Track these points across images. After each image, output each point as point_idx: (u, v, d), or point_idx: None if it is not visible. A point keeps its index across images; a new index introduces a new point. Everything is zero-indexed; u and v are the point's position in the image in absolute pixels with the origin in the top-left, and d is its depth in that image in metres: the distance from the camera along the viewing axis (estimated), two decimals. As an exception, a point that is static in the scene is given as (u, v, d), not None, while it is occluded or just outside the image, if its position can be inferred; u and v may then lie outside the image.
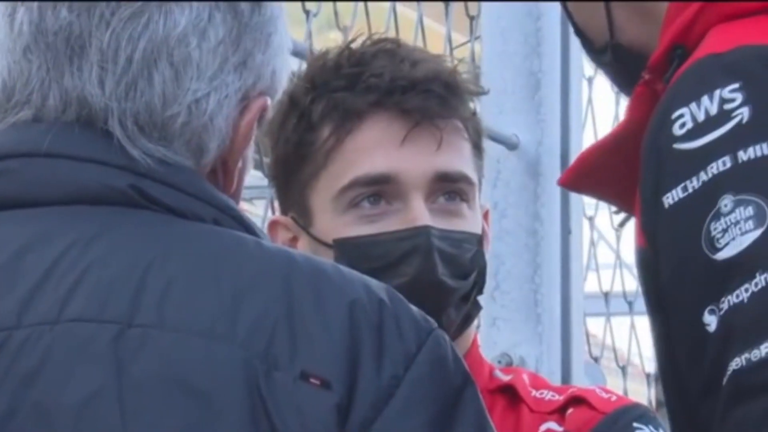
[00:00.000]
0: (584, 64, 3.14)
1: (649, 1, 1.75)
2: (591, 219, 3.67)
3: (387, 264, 2.02)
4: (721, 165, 1.58)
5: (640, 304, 4.69)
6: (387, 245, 2.02)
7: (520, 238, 2.97)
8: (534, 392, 2.16)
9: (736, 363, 1.55)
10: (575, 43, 3.02)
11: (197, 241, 1.43)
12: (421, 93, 2.03)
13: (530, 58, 3.01)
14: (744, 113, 1.59)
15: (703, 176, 1.59)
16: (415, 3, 3.28)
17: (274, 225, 2.14)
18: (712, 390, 1.58)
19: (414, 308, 1.44)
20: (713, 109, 1.60)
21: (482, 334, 2.85)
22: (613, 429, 2.10)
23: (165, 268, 1.40)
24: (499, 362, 2.86)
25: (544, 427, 2.13)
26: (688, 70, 1.64)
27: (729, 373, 1.55)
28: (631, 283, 4.25)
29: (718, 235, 1.57)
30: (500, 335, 2.96)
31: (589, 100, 3.38)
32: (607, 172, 1.77)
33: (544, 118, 3.02)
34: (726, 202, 1.57)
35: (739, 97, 1.60)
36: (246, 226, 1.48)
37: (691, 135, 1.60)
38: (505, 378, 2.18)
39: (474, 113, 2.10)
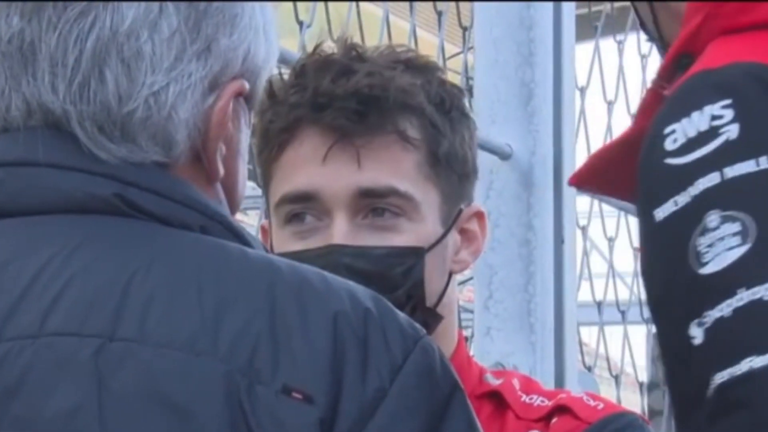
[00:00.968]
0: (576, 75, 3.15)
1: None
2: (584, 229, 3.67)
3: None
4: (708, 181, 1.59)
5: (633, 313, 4.71)
6: (307, 263, 2.03)
7: (513, 248, 2.97)
8: (524, 397, 2.14)
9: (720, 377, 1.56)
10: (568, 53, 3.05)
11: (180, 251, 1.42)
12: (337, 110, 2.01)
13: (522, 68, 3.01)
14: (732, 130, 1.60)
15: (692, 191, 1.60)
16: (408, 13, 3.28)
17: (263, 231, 2.15)
18: (698, 403, 1.58)
19: (401, 316, 1.43)
20: (703, 126, 1.61)
21: (476, 344, 2.85)
22: None
23: (147, 280, 1.39)
24: (493, 369, 2.84)
25: None
26: (681, 86, 1.65)
27: (713, 386, 1.56)
28: (624, 292, 4.25)
29: (704, 251, 1.58)
30: (494, 345, 2.96)
31: (582, 111, 3.40)
32: (615, 173, 1.76)
33: (537, 128, 3.01)
34: (712, 218, 1.59)
35: (728, 114, 1.61)
36: (235, 232, 1.46)
37: (681, 151, 1.61)
38: (495, 383, 2.16)
39: (429, 123, 2.04)
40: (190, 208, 1.44)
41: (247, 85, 1.49)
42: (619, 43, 3.92)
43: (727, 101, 1.61)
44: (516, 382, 2.17)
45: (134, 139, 1.44)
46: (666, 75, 1.71)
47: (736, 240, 1.57)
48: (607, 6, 4.01)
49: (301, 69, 2.05)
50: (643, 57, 3.94)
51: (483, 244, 2.14)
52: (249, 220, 3.51)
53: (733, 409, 1.55)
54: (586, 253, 3.77)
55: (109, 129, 1.43)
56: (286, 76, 2.11)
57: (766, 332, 1.56)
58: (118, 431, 1.34)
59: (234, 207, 1.53)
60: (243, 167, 1.53)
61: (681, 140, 1.61)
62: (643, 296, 4.49)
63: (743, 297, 1.56)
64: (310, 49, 2.78)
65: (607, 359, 4.51)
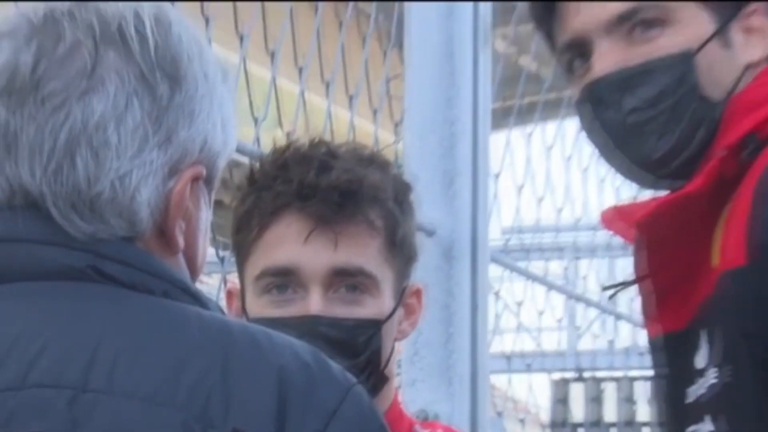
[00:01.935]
0: (490, 164, 3.17)
1: None
2: (497, 293, 3.68)
3: None
4: None
5: (537, 363, 4.66)
6: (284, 329, 2.04)
7: (436, 312, 2.96)
8: None
9: None
10: (483, 146, 3.06)
11: (144, 314, 1.40)
12: (320, 201, 2.02)
13: (445, 159, 3.02)
14: None
15: None
16: (347, 106, 3.28)
17: (229, 293, 2.15)
18: None
19: (336, 366, 1.42)
20: None
21: (403, 393, 2.86)
22: None
23: (115, 339, 1.38)
24: (418, 417, 2.85)
25: None
26: None
27: None
28: (530, 345, 4.24)
29: None
30: (418, 394, 2.95)
31: (495, 195, 3.39)
32: (670, 219, 1.78)
33: (457, 210, 3.02)
34: None
35: None
36: (193, 295, 1.45)
37: None
38: None
39: (389, 214, 2.07)
40: (153, 275, 1.43)
41: (204, 171, 1.47)
42: (528, 137, 3.91)
43: None
44: None
45: (102, 216, 1.42)
46: (735, 150, 1.74)
47: None
48: (518, 102, 4.02)
49: (284, 162, 2.06)
50: (548, 149, 3.94)
51: (420, 317, 2.16)
52: (212, 281, 3.49)
53: None
54: (497, 316, 3.77)
55: (80, 208, 1.42)
56: (242, 165, 2.16)
57: None
58: None
59: (195, 273, 1.51)
60: (203, 240, 1.51)
61: None
62: (546, 348, 4.39)
63: None
64: (264, 139, 2.79)
65: (514, 401, 4.50)
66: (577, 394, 7.00)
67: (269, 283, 2.04)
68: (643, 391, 6.20)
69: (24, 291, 1.41)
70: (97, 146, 1.42)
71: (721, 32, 1.82)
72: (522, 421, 4.40)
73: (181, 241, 1.46)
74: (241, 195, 2.09)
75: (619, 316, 4.79)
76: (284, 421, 1.35)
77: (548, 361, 4.67)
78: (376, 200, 2.05)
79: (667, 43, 1.82)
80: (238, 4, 3.04)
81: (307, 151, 2.07)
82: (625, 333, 4.87)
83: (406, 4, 3.07)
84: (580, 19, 1.84)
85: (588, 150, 3.96)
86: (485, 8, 3.09)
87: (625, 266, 4.99)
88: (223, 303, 2.15)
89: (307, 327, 1.99)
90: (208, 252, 1.56)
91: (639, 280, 1.84)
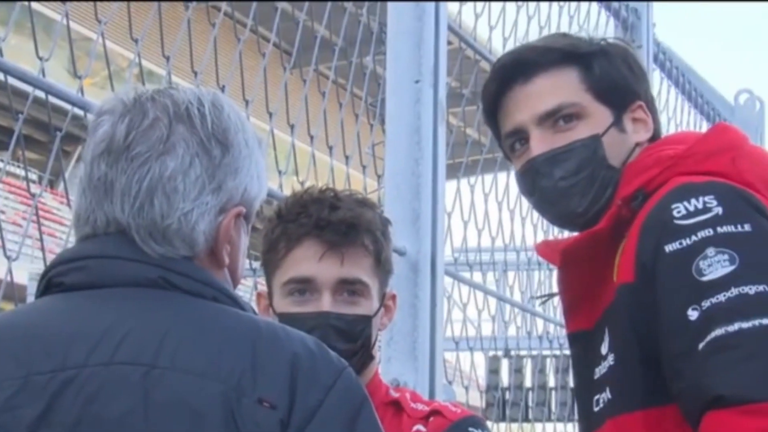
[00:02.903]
0: (445, 205, 3.16)
1: None
2: (449, 297, 3.66)
3: (303, 332, 2.03)
4: (706, 233, 1.61)
5: (477, 345, 4.61)
6: (303, 320, 2.01)
7: (405, 309, 2.94)
8: (412, 404, 2.13)
9: (717, 332, 1.54)
10: (440, 191, 3.05)
11: (198, 313, 1.40)
12: (332, 231, 2.03)
13: (413, 201, 3.00)
14: (718, 209, 1.63)
15: (694, 237, 1.61)
16: (343, 158, 3.27)
17: (258, 295, 2.13)
18: (687, 352, 1.56)
19: (333, 354, 1.41)
20: (699, 205, 1.64)
21: (381, 368, 2.83)
22: (456, 431, 2.06)
23: (177, 331, 1.38)
24: (391, 384, 2.82)
25: (414, 428, 2.09)
26: (678, 188, 1.69)
27: (708, 339, 1.54)
28: (472, 332, 4.22)
29: (705, 267, 1.59)
30: (392, 368, 2.91)
31: (448, 227, 3.38)
32: (582, 249, 1.78)
33: (421, 238, 3.00)
34: (711, 251, 1.60)
35: (714, 202, 1.64)
36: (234, 300, 1.44)
37: (685, 217, 1.64)
38: (395, 395, 2.14)
39: (377, 241, 2.07)
40: (206, 285, 1.43)
41: (244, 210, 1.48)
42: (472, 186, 3.90)
43: (712, 196, 1.65)
44: (408, 395, 2.16)
45: (171, 241, 1.43)
46: (627, 200, 1.75)
47: (727, 263, 1.58)
48: (464, 161, 4.01)
49: (304, 203, 2.07)
50: (486, 194, 3.93)
51: (394, 314, 2.16)
52: (247, 283, 3.50)
53: (728, 349, 1.52)
54: (449, 311, 3.74)
55: (155, 235, 1.42)
56: (273, 205, 2.14)
57: (750, 309, 1.54)
58: (157, 425, 1.32)
59: (236, 282, 1.51)
60: (242, 258, 1.51)
61: (684, 212, 1.64)
62: (484, 334, 4.35)
63: (733, 291, 1.56)
64: (285, 186, 2.77)
65: (461, 372, 4.46)
66: (505, 367, 6.98)
67: (293, 288, 2.04)
68: (551, 365, 6.18)
69: (114, 294, 1.41)
70: (169, 192, 1.42)
71: (617, 122, 1.85)
72: (466, 387, 4.37)
73: (226, 259, 1.46)
74: (271, 226, 2.10)
75: (534, 314, 4.79)
76: (295, 392, 1.34)
77: (485, 343, 4.62)
78: (369, 231, 2.05)
79: (582, 130, 1.85)
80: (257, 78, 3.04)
81: (319, 195, 2.08)
82: (539, 325, 4.86)
83: (387, 91, 3.07)
84: (519, 114, 1.86)
85: (514, 195, 3.97)
86: (442, 94, 3.08)
87: (541, 278, 4.99)
88: (254, 302, 2.14)
89: (322, 320, 2.00)
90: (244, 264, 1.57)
91: (561, 292, 1.84)
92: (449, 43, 3.23)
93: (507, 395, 6.73)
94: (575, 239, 1.80)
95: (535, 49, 1.88)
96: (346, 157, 3.29)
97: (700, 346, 1.55)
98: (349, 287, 2.04)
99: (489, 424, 2.15)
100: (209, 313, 1.39)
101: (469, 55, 3.77)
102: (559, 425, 5.51)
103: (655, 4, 4.75)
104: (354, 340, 2.02)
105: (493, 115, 1.90)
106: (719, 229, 1.61)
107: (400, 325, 2.90)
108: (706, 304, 1.57)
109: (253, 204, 1.50)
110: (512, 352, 5.95)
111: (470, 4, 3.66)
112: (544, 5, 4.13)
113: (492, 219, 3.95)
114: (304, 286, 2.03)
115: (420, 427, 2.08)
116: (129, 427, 1.31)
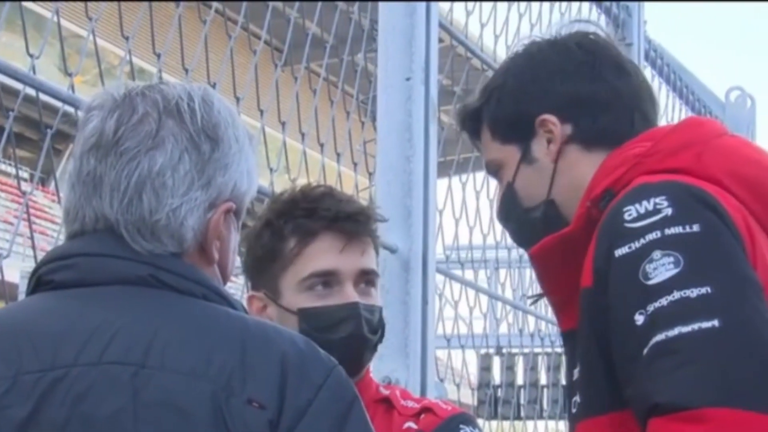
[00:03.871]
0: (437, 202, 3.16)
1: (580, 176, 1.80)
2: (440, 294, 3.65)
3: (332, 324, 1.99)
4: (654, 235, 1.60)
5: (469, 342, 4.61)
6: (333, 312, 2.00)
7: (397, 307, 2.93)
8: (402, 401, 2.11)
9: (658, 337, 1.53)
10: (432, 188, 3.04)
11: (188, 311, 1.39)
12: (353, 221, 2.02)
13: (404, 198, 2.99)
14: (668, 211, 1.61)
15: (642, 241, 1.60)
16: (334, 156, 3.26)
17: (251, 298, 2.08)
18: (635, 357, 1.55)
19: (322, 352, 1.40)
20: (650, 207, 1.62)
21: (373, 365, 2.83)
22: (447, 429, 2.07)
23: (167, 330, 1.36)
24: (383, 381, 2.82)
25: (406, 425, 2.08)
26: (632, 189, 1.67)
27: (651, 344, 1.53)
28: (464, 329, 4.22)
29: (650, 271, 1.57)
30: (384, 365, 2.90)
31: (440, 224, 3.38)
32: (553, 252, 1.77)
33: (413, 235, 2.99)
34: (657, 254, 1.58)
35: (665, 203, 1.62)
36: (225, 298, 1.43)
37: (636, 220, 1.62)
38: (385, 392, 2.13)
39: (376, 234, 2.09)
40: (196, 283, 1.41)
41: (234, 206, 1.46)
42: (463, 183, 3.89)
43: (664, 197, 1.62)
44: (398, 392, 2.15)
45: (159, 238, 1.41)
46: (596, 201, 1.73)
47: (672, 266, 1.56)
48: (456, 158, 4.01)
49: (313, 198, 2.05)
50: (478, 191, 3.91)
51: None
52: (238, 281, 3.50)
53: (666, 354, 1.51)
54: (441, 309, 3.74)
55: (144, 231, 1.41)
56: (261, 200, 2.16)
57: (691, 313, 1.53)
58: (145, 424, 1.31)
59: (226, 279, 1.50)
60: (232, 255, 1.50)
61: (634, 214, 1.62)
62: (475, 331, 4.33)
63: (675, 295, 1.54)
64: (276, 183, 2.76)
65: (452, 370, 4.45)
66: (497, 364, 6.98)
67: (314, 282, 2.00)
68: (543, 363, 6.18)
69: (103, 293, 1.40)
70: (158, 187, 1.41)
71: (524, 156, 1.86)
72: (458, 384, 4.36)
73: (215, 256, 1.45)
74: (268, 227, 2.05)
75: (525, 311, 4.78)
76: (285, 392, 1.33)
77: (476, 340, 4.62)
78: (374, 222, 2.07)
79: (505, 178, 1.87)
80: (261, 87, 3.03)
81: (325, 191, 2.07)
82: (531, 323, 4.85)
83: (378, 89, 3.06)
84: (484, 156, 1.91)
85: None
86: (434, 92, 3.08)
87: (532, 275, 4.98)
88: (244, 300, 2.12)
89: (353, 310, 1.99)
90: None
91: (545, 293, 1.83)
92: (440, 40, 3.23)
93: (499, 393, 6.73)
94: (543, 242, 1.79)
95: (459, 117, 1.92)
96: (338, 155, 3.28)
97: (645, 351, 1.54)
98: (367, 278, 2.04)
99: (480, 421, 2.15)
100: (199, 311, 1.38)
101: (460, 52, 3.76)
102: (551, 423, 5.51)
103: (645, 2, 4.75)
104: (377, 330, 2.03)
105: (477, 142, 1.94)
106: (667, 231, 1.59)
107: (392, 323, 2.89)
108: (650, 308, 1.55)
109: (243, 200, 1.48)
110: (504, 350, 5.94)
111: (461, 1, 3.65)
112: (535, 3, 4.13)
113: (483, 216, 3.95)
114: (326, 279, 2.00)
115: (411, 424, 2.07)
116: (118, 427, 1.30)
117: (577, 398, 1.70)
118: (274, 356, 1.35)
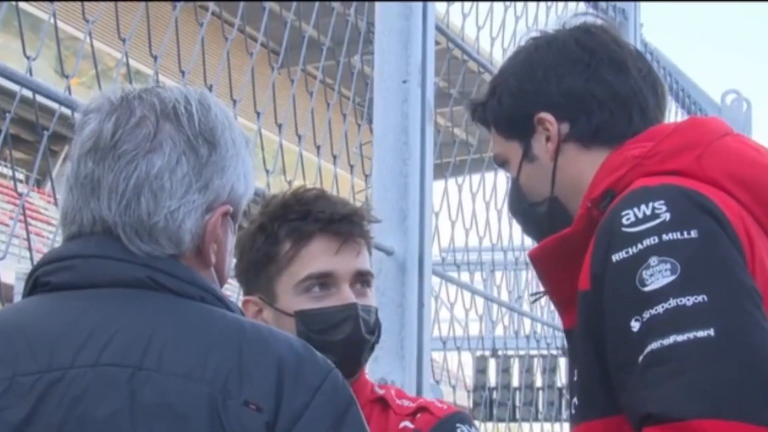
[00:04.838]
0: (432, 205, 3.16)
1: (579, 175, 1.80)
2: (436, 297, 3.65)
3: (330, 326, 1.99)
4: (651, 241, 1.59)
5: (465, 345, 4.62)
6: (331, 314, 1.99)
7: (393, 309, 2.93)
8: (398, 401, 2.12)
9: (653, 345, 1.52)
10: (428, 191, 3.04)
11: (185, 314, 1.39)
12: (348, 223, 2.02)
13: (401, 201, 2.99)
14: (667, 216, 1.60)
15: (640, 246, 1.59)
16: (331, 158, 3.27)
17: (246, 302, 2.08)
18: (629, 364, 1.55)
19: (319, 355, 1.40)
20: (648, 212, 1.61)
21: (368, 366, 2.83)
22: (443, 428, 2.06)
23: (164, 332, 1.36)
24: (378, 382, 2.81)
25: (402, 424, 2.08)
26: (631, 193, 1.67)
27: (646, 352, 1.53)
28: (459, 331, 4.22)
29: (647, 277, 1.57)
30: (380, 367, 2.91)
31: (436, 226, 3.38)
32: (554, 254, 1.77)
33: (409, 237, 2.99)
34: (654, 260, 1.57)
35: (663, 207, 1.61)
36: (221, 300, 1.43)
37: (633, 224, 1.61)
38: (380, 392, 2.13)
39: (369, 234, 2.09)
40: (193, 285, 1.41)
41: (231, 209, 1.47)
42: (459, 185, 3.90)
43: (662, 201, 1.62)
44: (393, 392, 2.15)
45: (157, 240, 1.41)
46: (597, 202, 1.72)
47: (668, 273, 1.56)
48: (452, 161, 4.01)
49: (306, 201, 2.05)
50: (474, 194, 3.93)
51: None
52: (233, 282, 3.51)
53: (661, 363, 1.51)
54: (437, 311, 3.74)
55: (141, 233, 1.41)
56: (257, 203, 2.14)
57: (686, 321, 1.52)
58: (142, 426, 1.31)
59: (222, 281, 1.50)
60: (228, 257, 1.51)
61: (632, 219, 1.61)
62: (471, 333, 4.31)
63: (671, 302, 1.54)
64: (273, 185, 2.77)
65: (448, 372, 4.46)
66: (492, 366, 6.98)
67: (310, 284, 2.00)
68: (538, 365, 6.18)
69: (100, 295, 1.40)
70: (156, 190, 1.41)
71: (525, 153, 1.86)
72: (453, 386, 4.37)
73: (213, 258, 1.46)
74: (261, 231, 2.05)
75: (521, 313, 4.78)
76: (281, 395, 1.33)
77: (472, 343, 4.62)
78: (368, 224, 2.07)
79: (510, 173, 1.89)
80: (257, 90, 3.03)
81: (318, 193, 2.07)
82: (526, 325, 4.85)
83: (375, 91, 3.06)
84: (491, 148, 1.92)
85: (501, 195, 3.97)
86: (430, 94, 3.08)
87: (528, 278, 4.99)
88: (240, 302, 2.11)
89: (352, 311, 1.99)
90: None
91: (547, 293, 1.83)
92: (437, 43, 3.23)
93: (494, 395, 6.74)
94: (542, 244, 1.79)
95: (469, 110, 1.94)
96: (334, 157, 3.29)
97: (640, 358, 1.53)
98: (362, 278, 2.04)
99: (476, 423, 2.15)
100: (196, 314, 1.38)
101: (456, 55, 3.77)
102: (546, 425, 5.51)
103: (642, 4, 4.76)
104: (374, 331, 2.04)
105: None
106: (664, 237, 1.58)
107: (388, 325, 2.89)
108: (646, 315, 1.54)
109: (240, 203, 1.49)
110: (499, 352, 5.96)
111: (458, 4, 3.66)
112: (531, 5, 4.13)
113: (479, 219, 3.95)
114: (323, 280, 2.00)
115: (407, 423, 2.07)
116: (115, 428, 1.30)
117: (575, 400, 1.69)
118: (271, 359, 1.35)
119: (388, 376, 2.88)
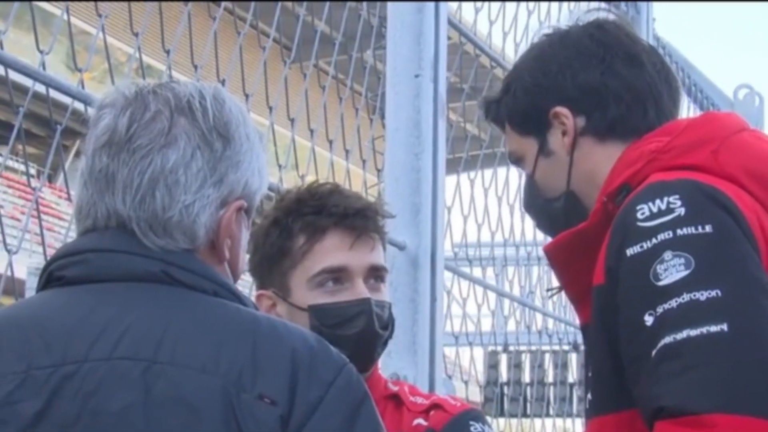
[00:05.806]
0: (445, 199, 3.16)
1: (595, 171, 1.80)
2: (449, 292, 3.66)
3: (344, 320, 1.99)
4: (666, 235, 1.59)
5: (477, 340, 4.62)
6: (344, 309, 1.99)
7: (406, 304, 2.93)
8: (411, 398, 2.11)
9: (666, 340, 1.53)
10: (440, 186, 3.05)
11: (199, 307, 1.39)
12: (362, 217, 2.02)
13: (413, 196, 2.99)
14: (681, 210, 1.61)
15: (654, 240, 1.59)
16: (344, 153, 3.27)
17: (260, 296, 2.08)
18: (642, 358, 1.55)
19: (334, 350, 1.40)
20: (663, 206, 1.61)
21: (381, 362, 2.84)
22: (457, 425, 2.05)
23: (178, 326, 1.36)
24: (391, 377, 2.82)
25: (415, 422, 2.08)
26: (647, 187, 1.67)
27: (659, 346, 1.53)
28: (471, 327, 4.22)
29: (661, 272, 1.57)
30: (392, 362, 2.90)
31: (448, 221, 3.38)
32: (569, 248, 1.77)
33: (421, 232, 2.98)
34: (668, 254, 1.57)
35: (678, 202, 1.61)
36: (235, 294, 1.43)
37: (648, 219, 1.61)
38: (394, 389, 2.12)
39: (383, 230, 2.09)
40: (208, 279, 1.41)
41: (245, 203, 1.47)
42: (471, 180, 3.90)
43: (677, 196, 1.62)
44: (406, 388, 2.14)
45: (171, 234, 1.41)
46: (612, 196, 1.72)
47: (683, 267, 1.56)
48: (464, 155, 4.01)
49: (321, 195, 2.05)
50: (486, 189, 3.93)
51: None
52: (246, 277, 3.52)
53: (673, 357, 1.52)
54: (449, 306, 3.74)
55: (156, 227, 1.41)
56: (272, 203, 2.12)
57: (700, 316, 1.53)
58: (156, 420, 1.31)
59: (236, 276, 1.50)
60: (242, 252, 1.50)
61: (647, 213, 1.62)
62: (483, 329, 4.34)
63: (685, 297, 1.54)
64: (285, 180, 2.77)
65: (460, 367, 4.46)
66: (504, 362, 6.98)
67: (324, 278, 2.00)
68: (550, 361, 6.18)
69: (114, 289, 1.40)
70: (170, 184, 1.41)
71: (541, 148, 1.86)
72: (466, 381, 4.37)
73: (227, 254, 1.45)
74: (275, 225, 2.05)
75: (533, 308, 4.78)
76: (295, 389, 1.33)
77: (484, 338, 4.63)
78: (381, 218, 2.07)
79: (526, 170, 1.88)
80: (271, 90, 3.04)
81: (332, 188, 2.07)
82: (538, 320, 4.86)
83: (387, 86, 3.07)
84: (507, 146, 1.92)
85: (514, 190, 3.97)
86: (442, 89, 3.08)
87: (540, 273, 4.99)
88: (253, 297, 2.11)
89: (366, 306, 1.98)
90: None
91: (563, 288, 1.83)
92: (449, 38, 3.23)
93: (506, 390, 6.74)
94: (558, 238, 1.78)
95: (483, 108, 1.94)
96: (346, 152, 3.29)
97: (653, 353, 1.54)
98: (376, 273, 2.03)
99: (487, 419, 2.15)
100: (210, 307, 1.38)
101: (468, 50, 3.77)
102: (558, 420, 5.51)
103: (654, 0, 4.75)
104: (387, 326, 2.03)
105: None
106: (679, 232, 1.58)
107: (400, 320, 2.89)
108: (660, 309, 1.54)
109: (253, 198, 1.49)
110: (511, 347, 5.95)
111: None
112: (543, 0, 4.13)
113: (492, 214, 3.95)
114: (336, 275, 2.00)
115: (421, 420, 2.07)
116: (128, 422, 1.30)
117: (589, 395, 1.70)
118: (285, 352, 1.35)
119: (401, 371, 2.89)
